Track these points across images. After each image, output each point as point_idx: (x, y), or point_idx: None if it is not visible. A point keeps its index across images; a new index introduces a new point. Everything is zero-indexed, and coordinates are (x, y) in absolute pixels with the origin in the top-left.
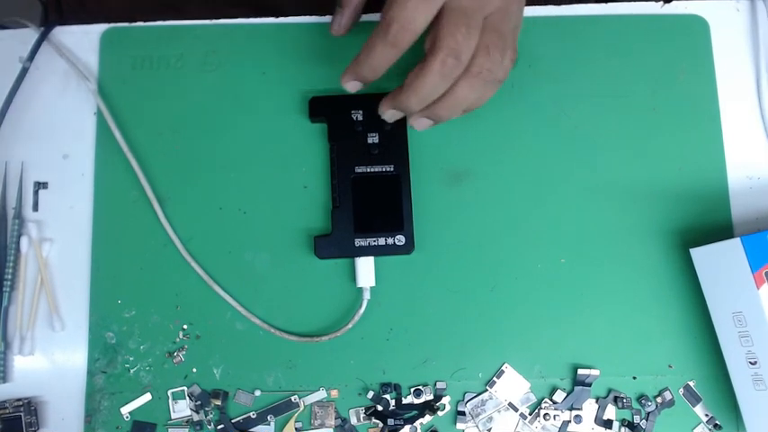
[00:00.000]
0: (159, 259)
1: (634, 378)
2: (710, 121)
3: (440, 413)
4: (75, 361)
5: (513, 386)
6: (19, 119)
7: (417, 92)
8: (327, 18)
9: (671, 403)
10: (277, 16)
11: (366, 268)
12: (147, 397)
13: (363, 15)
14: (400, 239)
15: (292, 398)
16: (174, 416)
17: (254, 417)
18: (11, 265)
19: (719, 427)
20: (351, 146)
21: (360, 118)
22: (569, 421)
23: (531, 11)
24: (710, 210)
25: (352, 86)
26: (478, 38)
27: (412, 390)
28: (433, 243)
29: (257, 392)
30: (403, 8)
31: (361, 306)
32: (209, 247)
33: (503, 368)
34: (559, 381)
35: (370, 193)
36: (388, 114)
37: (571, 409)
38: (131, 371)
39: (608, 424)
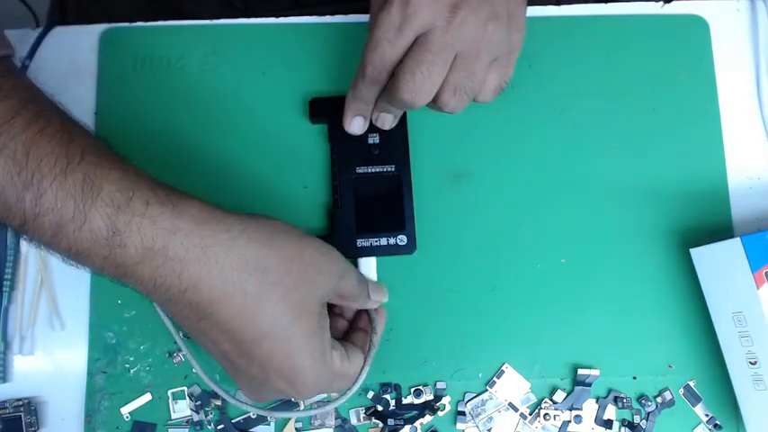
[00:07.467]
0: None
1: (634, 378)
2: (710, 121)
3: (440, 413)
4: (75, 361)
5: (513, 386)
6: None
7: (395, 107)
8: (327, 18)
9: (671, 403)
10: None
11: (368, 267)
12: (147, 397)
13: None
14: (402, 239)
15: (292, 398)
16: (174, 416)
17: (254, 417)
18: (11, 264)
19: (719, 427)
20: (351, 146)
21: None
22: (569, 421)
23: (531, 11)
24: (710, 210)
25: (357, 126)
26: (446, 73)
27: (412, 390)
28: (433, 243)
29: None
30: (374, 49)
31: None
32: None
33: (503, 368)
34: (559, 381)
35: (371, 194)
36: (387, 121)
37: (571, 409)
38: (131, 371)
39: (608, 424)
